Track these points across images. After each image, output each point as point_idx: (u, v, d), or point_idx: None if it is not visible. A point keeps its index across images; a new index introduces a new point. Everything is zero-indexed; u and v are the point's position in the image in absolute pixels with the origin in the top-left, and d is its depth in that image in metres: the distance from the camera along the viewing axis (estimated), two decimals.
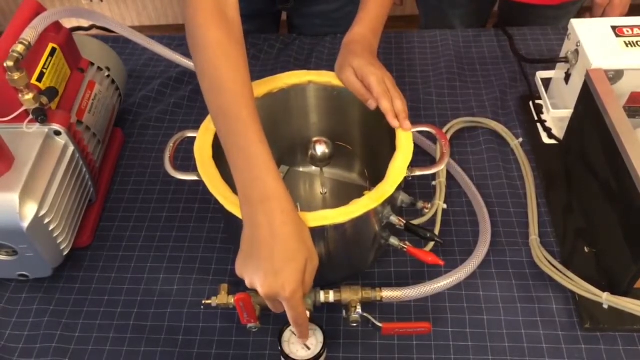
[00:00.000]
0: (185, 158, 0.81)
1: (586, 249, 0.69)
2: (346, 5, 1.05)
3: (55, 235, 0.65)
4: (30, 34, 0.63)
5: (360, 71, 0.69)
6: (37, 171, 0.64)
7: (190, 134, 0.67)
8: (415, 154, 0.63)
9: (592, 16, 1.00)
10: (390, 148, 0.64)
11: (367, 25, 0.75)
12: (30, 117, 0.65)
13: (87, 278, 0.72)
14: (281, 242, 0.53)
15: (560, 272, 0.66)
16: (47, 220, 0.63)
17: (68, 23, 0.79)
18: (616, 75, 0.72)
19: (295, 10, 1.09)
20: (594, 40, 0.75)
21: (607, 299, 0.61)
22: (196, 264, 0.72)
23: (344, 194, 0.78)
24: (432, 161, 0.81)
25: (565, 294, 0.67)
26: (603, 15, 0.97)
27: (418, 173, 0.63)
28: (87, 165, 0.72)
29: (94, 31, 0.89)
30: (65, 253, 0.68)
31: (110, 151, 0.84)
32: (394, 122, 0.66)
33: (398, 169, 0.61)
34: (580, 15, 1.10)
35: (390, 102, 0.67)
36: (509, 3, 1.12)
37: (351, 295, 0.62)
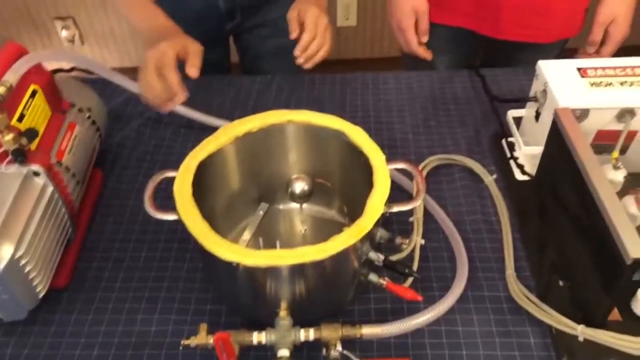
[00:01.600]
0: (165, 197, 0.81)
1: (561, 283, 0.71)
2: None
3: (31, 277, 0.64)
4: (11, 77, 0.64)
5: (304, 12, 0.87)
6: (15, 212, 0.63)
7: (170, 174, 0.67)
8: (393, 190, 0.64)
9: (584, 55, 1.04)
10: (368, 185, 0.65)
11: None
12: (10, 157, 0.65)
13: (63, 320, 0.71)
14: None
15: (537, 305, 0.67)
16: (23, 262, 0.62)
17: (50, 65, 0.80)
18: (582, 114, 0.75)
19: (243, 26, 1.15)
20: (561, 81, 0.78)
21: (582, 332, 0.62)
22: (175, 304, 0.72)
23: (323, 231, 0.79)
24: (409, 198, 0.83)
25: (543, 327, 0.67)
26: (596, 54, 1.02)
27: (395, 209, 0.64)
28: (66, 206, 0.72)
29: (75, 72, 0.91)
30: (41, 295, 0.67)
31: (89, 191, 0.84)
32: (297, 53, 0.86)
33: (376, 205, 0.62)
34: (570, 56, 1.13)
35: (311, 38, 0.86)
36: (495, 47, 1.15)
37: (331, 332, 0.62)
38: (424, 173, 0.86)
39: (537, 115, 0.84)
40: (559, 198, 0.74)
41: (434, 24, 1.11)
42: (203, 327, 0.62)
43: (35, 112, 0.72)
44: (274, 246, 0.74)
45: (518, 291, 0.69)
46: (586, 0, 1.07)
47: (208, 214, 0.62)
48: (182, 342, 0.62)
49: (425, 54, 1.14)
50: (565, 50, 1.15)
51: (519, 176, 0.86)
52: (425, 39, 1.13)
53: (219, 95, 1.04)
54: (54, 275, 0.71)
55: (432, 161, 0.88)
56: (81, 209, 0.80)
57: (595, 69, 0.79)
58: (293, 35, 0.88)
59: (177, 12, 1.13)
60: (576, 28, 1.10)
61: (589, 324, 0.63)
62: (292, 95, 1.04)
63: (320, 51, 0.88)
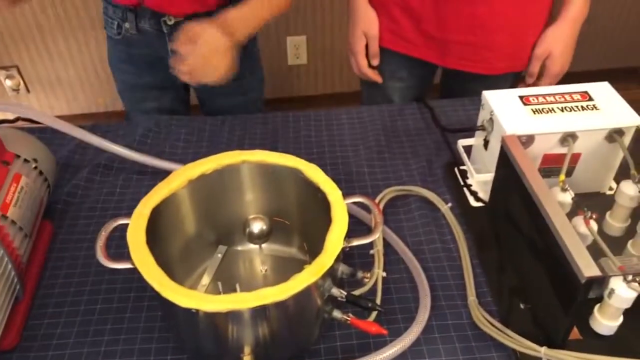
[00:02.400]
0: (119, 246, 0.79)
1: (522, 306, 0.72)
2: (250, 73, 1.10)
3: None
4: None
5: (199, 30, 0.85)
6: None
7: (122, 221, 0.66)
8: (352, 224, 0.64)
9: (523, 86, 1.09)
10: (327, 220, 0.65)
11: (236, 11, 0.91)
12: None
13: None
14: None
15: (500, 330, 0.68)
16: None
17: None
18: (528, 140, 0.77)
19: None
20: (505, 109, 0.81)
21: (545, 353, 0.63)
22: (134, 356, 0.69)
23: (285, 270, 0.78)
24: (369, 230, 0.83)
25: (508, 351, 0.68)
26: (536, 83, 1.07)
27: (355, 243, 0.64)
28: (12, 262, 0.69)
29: (20, 123, 0.88)
30: None
31: (38, 244, 0.80)
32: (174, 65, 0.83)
33: (335, 240, 0.62)
34: (515, 85, 1.18)
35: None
36: (449, 77, 1.19)
37: None
38: (381, 205, 0.87)
39: (486, 143, 0.86)
40: (512, 222, 0.76)
41: (387, 50, 1.16)
42: None
43: None
44: (234, 289, 0.72)
45: (481, 317, 0.70)
46: (532, 37, 1.12)
47: (164, 261, 0.60)
48: None
49: (375, 77, 1.17)
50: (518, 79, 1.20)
51: (473, 203, 0.87)
52: (375, 62, 1.17)
53: (171, 138, 1.03)
54: (2, 337, 0.67)
55: (388, 193, 0.89)
56: (30, 264, 0.77)
57: (537, 96, 0.83)
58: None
59: (130, 57, 1.12)
60: (523, 63, 1.15)
61: (551, 344, 0.63)
62: (245, 135, 1.04)
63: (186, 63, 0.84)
